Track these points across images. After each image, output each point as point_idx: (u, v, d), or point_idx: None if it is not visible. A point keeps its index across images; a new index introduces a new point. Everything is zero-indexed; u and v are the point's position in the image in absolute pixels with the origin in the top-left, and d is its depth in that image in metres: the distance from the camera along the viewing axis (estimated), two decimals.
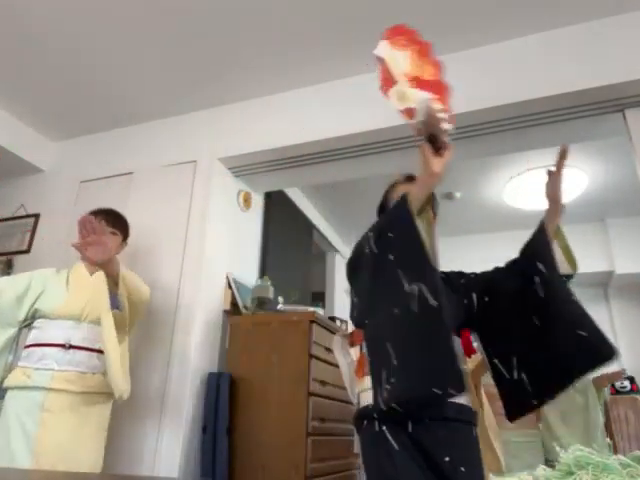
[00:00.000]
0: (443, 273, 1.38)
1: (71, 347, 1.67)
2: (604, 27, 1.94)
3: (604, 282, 4.07)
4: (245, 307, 2.36)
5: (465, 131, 2.16)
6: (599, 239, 3.91)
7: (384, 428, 1.15)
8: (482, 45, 2.12)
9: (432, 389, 0.99)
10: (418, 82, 1.08)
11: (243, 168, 2.57)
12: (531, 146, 2.40)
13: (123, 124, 2.79)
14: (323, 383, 2.07)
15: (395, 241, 1.13)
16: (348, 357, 1.36)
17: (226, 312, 2.33)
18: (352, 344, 1.35)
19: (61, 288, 1.78)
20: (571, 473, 0.48)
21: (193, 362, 2.11)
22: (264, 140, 2.42)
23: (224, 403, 2.03)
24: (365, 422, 1.21)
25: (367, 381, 1.19)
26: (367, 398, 1.19)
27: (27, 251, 2.70)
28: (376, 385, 1.11)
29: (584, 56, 1.94)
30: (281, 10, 1.96)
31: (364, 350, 1.23)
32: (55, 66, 2.32)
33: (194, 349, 2.13)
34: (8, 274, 2.67)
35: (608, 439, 3.18)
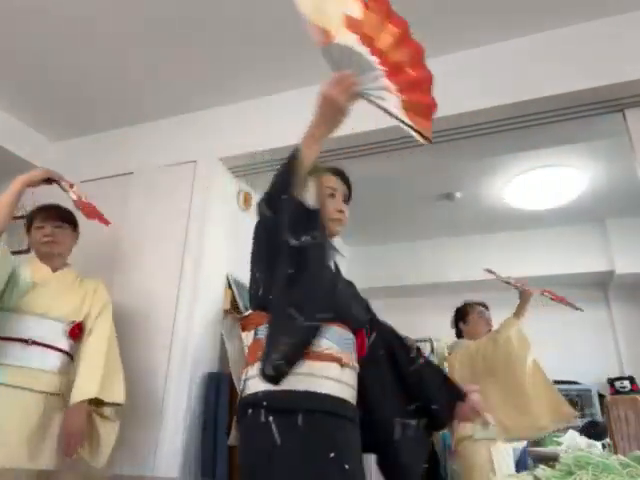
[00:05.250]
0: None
1: (34, 343, 1.65)
2: (604, 27, 1.94)
3: (604, 282, 4.07)
4: (246, 307, 2.36)
5: (465, 131, 2.16)
6: (599, 239, 3.90)
7: (270, 419, 1.03)
8: (482, 45, 2.12)
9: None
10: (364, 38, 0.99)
11: (243, 168, 2.57)
12: (531, 146, 2.40)
13: (123, 124, 2.78)
14: None
15: (286, 204, 1.04)
16: (237, 342, 1.32)
17: (226, 312, 2.33)
18: (244, 328, 1.29)
19: (26, 283, 1.74)
20: (571, 473, 0.48)
21: (193, 362, 2.11)
22: (264, 140, 2.41)
23: (224, 403, 2.03)
24: (250, 411, 1.07)
25: (257, 368, 1.04)
26: (256, 386, 1.08)
27: (27, 251, 2.69)
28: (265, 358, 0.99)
29: (584, 56, 1.93)
30: (280, 10, 1.96)
31: (261, 334, 1.13)
32: (55, 66, 2.31)
33: (194, 349, 2.13)
34: None
35: (608, 439, 3.18)
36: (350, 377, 1.19)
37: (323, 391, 1.09)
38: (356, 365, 1.23)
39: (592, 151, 3.02)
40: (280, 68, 2.31)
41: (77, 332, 1.76)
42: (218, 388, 2.06)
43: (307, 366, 1.08)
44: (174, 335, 2.16)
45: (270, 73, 2.34)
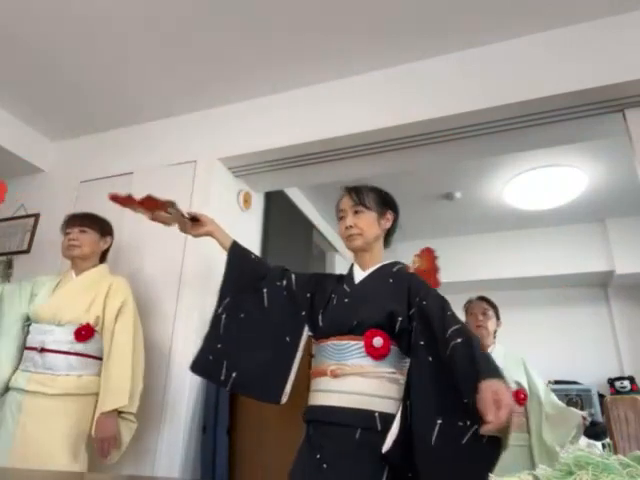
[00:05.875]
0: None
1: (43, 350, 1.73)
2: (604, 27, 1.94)
3: (604, 282, 4.07)
4: None
5: (465, 131, 2.16)
6: (599, 239, 3.91)
7: (306, 426, 1.35)
8: (482, 45, 2.12)
9: None
10: None
11: (243, 168, 2.57)
12: (531, 146, 2.39)
13: (123, 124, 2.78)
14: None
15: None
16: None
17: None
18: None
19: (47, 292, 1.86)
20: (571, 473, 0.48)
21: None
22: (264, 140, 2.41)
23: (224, 403, 2.03)
24: None
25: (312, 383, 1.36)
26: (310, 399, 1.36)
27: (27, 251, 2.70)
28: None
29: (584, 56, 1.93)
30: (279, 10, 1.96)
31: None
32: (55, 66, 2.31)
33: (194, 349, 2.12)
34: (8, 274, 2.67)
35: (608, 439, 3.18)
36: (349, 384, 1.21)
37: (315, 403, 1.30)
38: (365, 370, 1.21)
39: (592, 151, 3.02)
40: (280, 68, 2.31)
41: (83, 334, 1.78)
42: (218, 388, 2.06)
43: (311, 384, 1.36)
44: (174, 335, 2.16)
45: (270, 73, 2.35)
